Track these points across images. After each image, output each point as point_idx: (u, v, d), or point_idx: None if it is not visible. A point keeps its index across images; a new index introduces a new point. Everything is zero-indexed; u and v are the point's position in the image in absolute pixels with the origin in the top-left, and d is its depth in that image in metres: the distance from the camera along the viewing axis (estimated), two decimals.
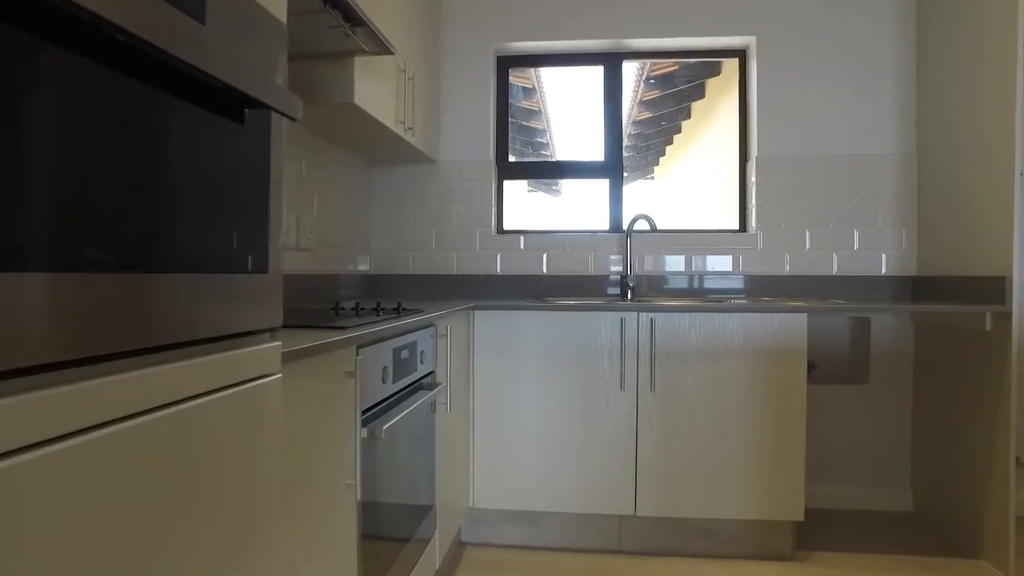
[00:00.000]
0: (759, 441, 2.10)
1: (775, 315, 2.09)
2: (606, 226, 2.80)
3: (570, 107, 4.04)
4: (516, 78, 3.66)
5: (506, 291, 2.70)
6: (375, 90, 1.90)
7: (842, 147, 2.60)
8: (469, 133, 2.74)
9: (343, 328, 1.16)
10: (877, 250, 2.59)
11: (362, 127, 2.05)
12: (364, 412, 1.20)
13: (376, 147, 2.42)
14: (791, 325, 2.09)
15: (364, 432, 1.19)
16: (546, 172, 3.06)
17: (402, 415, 1.31)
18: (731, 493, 2.10)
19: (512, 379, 2.16)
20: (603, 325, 2.13)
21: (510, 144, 2.90)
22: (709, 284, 2.64)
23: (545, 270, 2.69)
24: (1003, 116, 2.06)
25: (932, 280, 2.46)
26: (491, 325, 2.17)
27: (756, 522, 2.14)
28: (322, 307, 1.82)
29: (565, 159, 3.03)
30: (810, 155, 2.61)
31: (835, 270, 2.60)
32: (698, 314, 2.11)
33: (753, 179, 2.66)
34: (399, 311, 1.63)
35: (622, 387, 2.12)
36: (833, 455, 2.59)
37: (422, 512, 1.66)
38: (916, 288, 2.57)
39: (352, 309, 1.65)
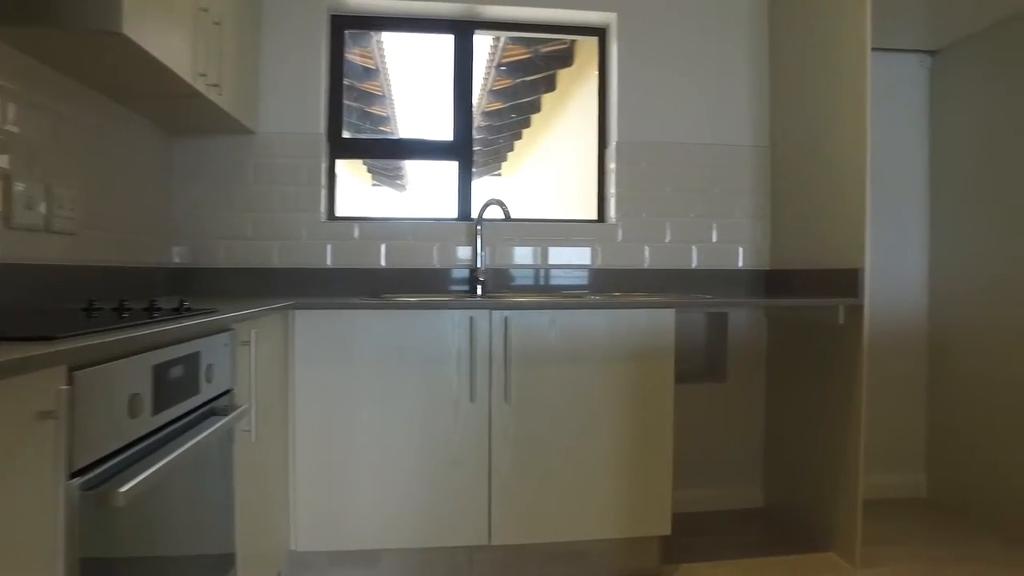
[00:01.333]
0: (625, 452, 1.90)
1: (642, 311, 1.90)
2: (454, 214, 2.50)
3: (416, 84, 3.69)
4: (356, 55, 3.26)
5: (338, 287, 2.31)
6: (159, 26, 1.45)
7: (701, 135, 2.50)
8: (296, 102, 2.31)
9: (49, 340, 0.75)
10: (734, 243, 2.52)
11: (145, 74, 1.56)
12: (82, 471, 0.79)
13: (175, 109, 1.92)
14: (658, 322, 1.91)
15: (84, 499, 0.78)
16: (387, 151, 2.70)
17: (164, 462, 0.92)
18: (597, 511, 1.89)
19: (342, 393, 1.79)
20: (450, 325, 1.82)
21: (345, 119, 2.51)
22: (566, 278, 2.43)
23: (384, 263, 2.34)
24: (854, 116, 2.04)
25: (785, 274, 2.43)
26: (316, 328, 1.79)
27: (622, 540, 1.95)
28: (69, 308, 1.34)
29: (410, 137, 2.69)
30: (670, 142, 2.48)
31: (694, 263, 2.50)
32: (558, 311, 1.86)
33: (612, 166, 2.48)
34: (180, 311, 1.22)
35: (472, 398, 1.82)
36: (691, 457, 2.48)
37: (217, 565, 1.26)
38: (769, 282, 2.53)
39: (114, 310, 1.21)
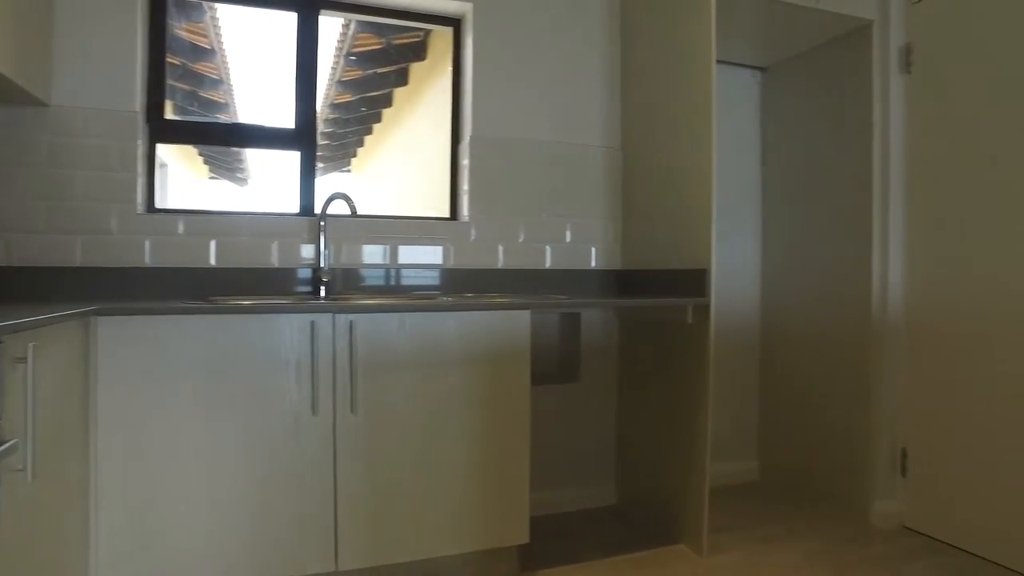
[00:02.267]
0: (482, 460, 1.82)
1: (497, 313, 1.83)
2: (296, 208, 2.30)
3: (257, 68, 3.38)
4: (186, 31, 2.91)
5: (159, 289, 2.03)
6: None
7: (556, 134, 2.49)
8: (104, 73, 1.99)
9: None
10: (588, 243, 2.54)
11: None
12: None
13: None
14: (513, 323, 1.85)
15: None
16: (220, 137, 2.42)
17: None
18: (453, 524, 1.79)
19: (160, 412, 1.55)
20: (289, 331, 1.64)
21: (177, 103, 2.21)
22: (418, 278, 2.31)
23: (214, 262, 2.08)
24: (700, 123, 2.11)
25: (637, 274, 2.48)
26: (127, 338, 1.53)
27: (481, 552, 1.87)
28: None
29: (247, 123, 2.43)
30: (525, 140, 2.44)
31: (548, 263, 2.48)
32: (408, 314, 1.75)
33: (465, 162, 2.40)
34: None
35: (315, 410, 1.65)
36: (546, 458, 2.47)
37: None
38: (621, 282, 2.58)
39: None
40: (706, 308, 2.07)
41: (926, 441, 2.32)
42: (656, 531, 2.29)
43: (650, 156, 2.39)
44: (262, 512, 1.61)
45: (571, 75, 2.52)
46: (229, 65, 3.22)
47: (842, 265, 2.50)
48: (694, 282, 2.11)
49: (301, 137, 2.31)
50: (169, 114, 2.21)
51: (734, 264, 2.85)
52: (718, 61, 2.78)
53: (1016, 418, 2.04)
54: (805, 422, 2.67)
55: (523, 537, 1.87)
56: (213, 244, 2.08)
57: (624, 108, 2.57)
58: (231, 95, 3.41)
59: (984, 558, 2.12)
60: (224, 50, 3.25)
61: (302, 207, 2.29)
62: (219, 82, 3.36)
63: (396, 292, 2.27)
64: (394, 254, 2.28)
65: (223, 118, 3.47)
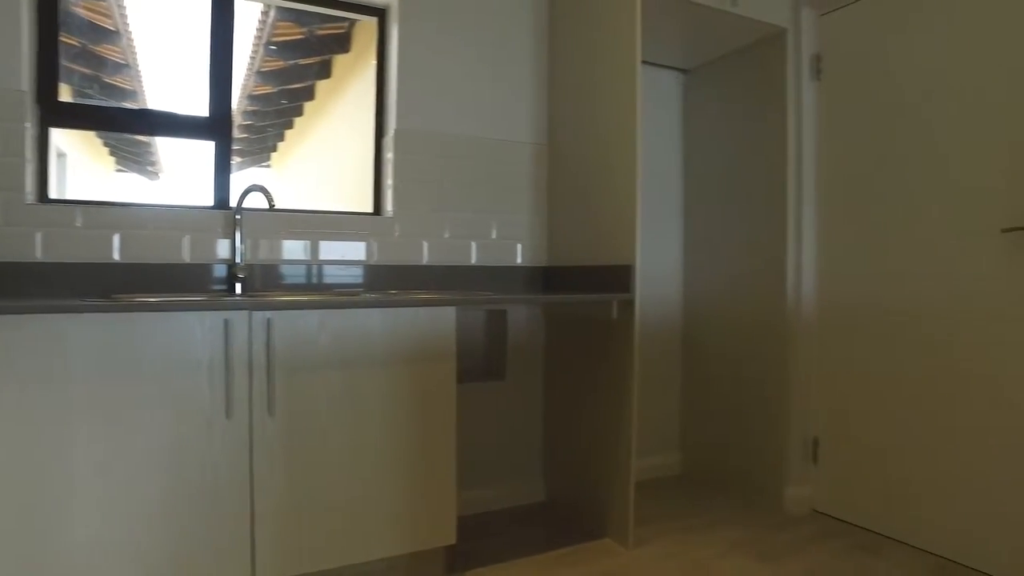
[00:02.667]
0: (407, 461, 1.78)
1: (422, 310, 1.79)
2: (210, 202, 2.18)
3: (168, 54, 3.19)
4: (84, 9, 2.71)
5: (56, 286, 1.87)
6: None
7: (482, 129, 2.47)
8: None
9: None
10: (513, 240, 2.53)
11: None
12: None
13: None
14: (439, 320, 1.82)
15: None
16: (124, 123, 2.27)
17: None
18: (378, 528, 1.73)
19: (52, 421, 1.42)
20: (201, 330, 1.54)
21: (78, 87, 2.04)
22: (340, 275, 2.23)
23: (118, 256, 1.94)
24: (626, 121, 2.14)
25: (562, 271, 2.49)
26: (10, 340, 1.39)
27: (407, 556, 1.82)
28: None
29: (156, 109, 2.28)
30: (451, 134, 2.41)
31: (474, 260, 2.45)
32: (330, 311, 1.68)
33: (390, 156, 2.34)
34: None
35: (229, 414, 1.56)
36: (473, 457, 2.44)
37: None
38: (547, 279, 2.58)
39: None
40: (631, 304, 2.09)
41: (835, 430, 2.44)
42: (583, 526, 2.31)
43: (576, 153, 2.41)
44: (170, 523, 1.51)
45: (498, 71, 2.50)
46: (136, 49, 3.02)
47: (759, 263, 2.59)
48: (619, 278, 2.14)
49: (216, 126, 2.19)
50: (66, 98, 2.05)
51: (657, 261, 2.92)
52: (643, 62, 2.84)
53: (913, 408, 2.17)
54: (725, 415, 2.75)
55: (450, 538, 1.84)
56: (117, 238, 1.94)
57: (551, 105, 2.58)
58: (139, 81, 3.20)
59: (886, 536, 2.25)
60: (130, 32, 3.04)
61: (217, 200, 2.18)
62: (125, 66, 3.15)
63: (318, 289, 2.19)
64: (315, 250, 2.20)
65: (130, 106, 3.26)
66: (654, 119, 2.89)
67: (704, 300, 2.86)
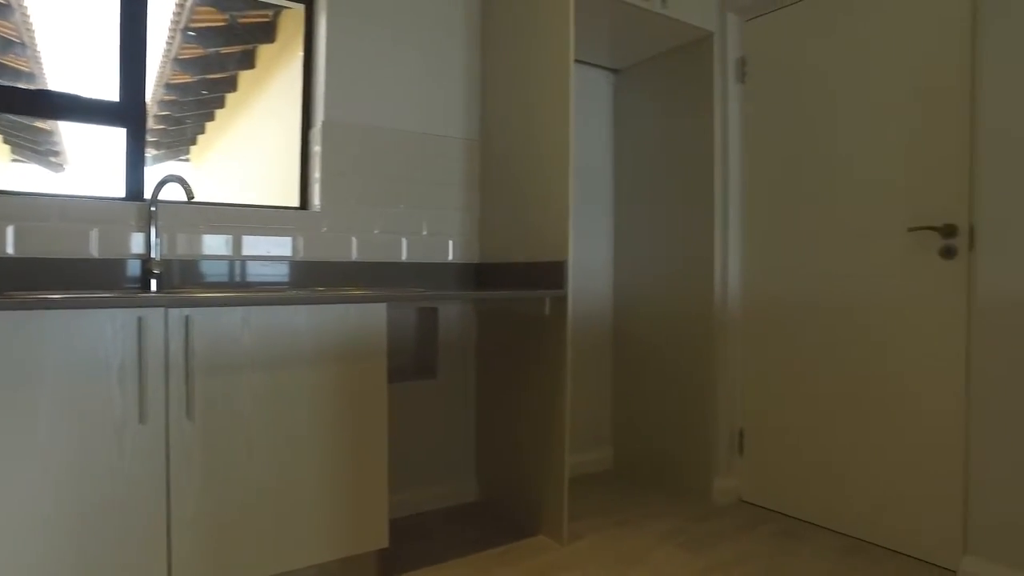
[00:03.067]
0: (337, 463, 1.71)
1: (351, 306, 1.73)
2: (122, 193, 2.04)
3: (71, 32, 2.97)
4: None
5: None
6: None
7: (413, 123, 2.42)
8: None
9: None
10: (445, 236, 2.49)
11: None
12: None
13: None
14: (369, 318, 1.76)
15: None
16: (20, 105, 2.09)
17: None
18: (307, 535, 1.66)
19: None
20: (111, 329, 1.43)
21: None
22: (265, 272, 2.14)
23: (12, 250, 1.79)
24: (559, 119, 2.14)
25: (494, 267, 2.47)
26: None
27: (337, 562, 1.76)
28: None
29: (58, 90, 2.12)
30: (381, 128, 2.35)
31: (404, 256, 2.40)
32: (254, 308, 1.60)
33: (317, 149, 2.26)
34: None
35: (143, 419, 1.46)
36: (406, 458, 2.40)
37: None
38: (479, 275, 2.56)
39: None
40: (563, 300, 2.10)
41: (759, 422, 2.52)
42: (517, 524, 2.30)
43: (509, 149, 2.40)
44: (75, 539, 1.40)
45: (430, 64, 2.46)
46: (33, 27, 2.80)
47: (687, 260, 2.66)
48: (551, 274, 2.14)
49: (128, 112, 2.05)
50: None
51: (588, 257, 2.94)
52: (578, 61, 2.87)
53: (829, 398, 2.27)
54: (655, 410, 2.81)
55: (382, 542, 1.79)
56: (11, 230, 1.78)
57: (484, 101, 2.56)
58: (37, 62, 2.96)
59: (807, 521, 2.35)
60: (25, 7, 2.82)
61: (130, 191, 2.04)
62: (19, 45, 2.91)
63: (241, 286, 2.09)
64: (238, 245, 2.09)
65: (25, 86, 3.01)
66: (585, 117, 2.92)
67: (634, 296, 2.91)
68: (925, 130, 2.03)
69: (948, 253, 1.97)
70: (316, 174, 2.26)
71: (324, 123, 2.24)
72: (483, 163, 2.55)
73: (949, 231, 1.97)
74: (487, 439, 2.50)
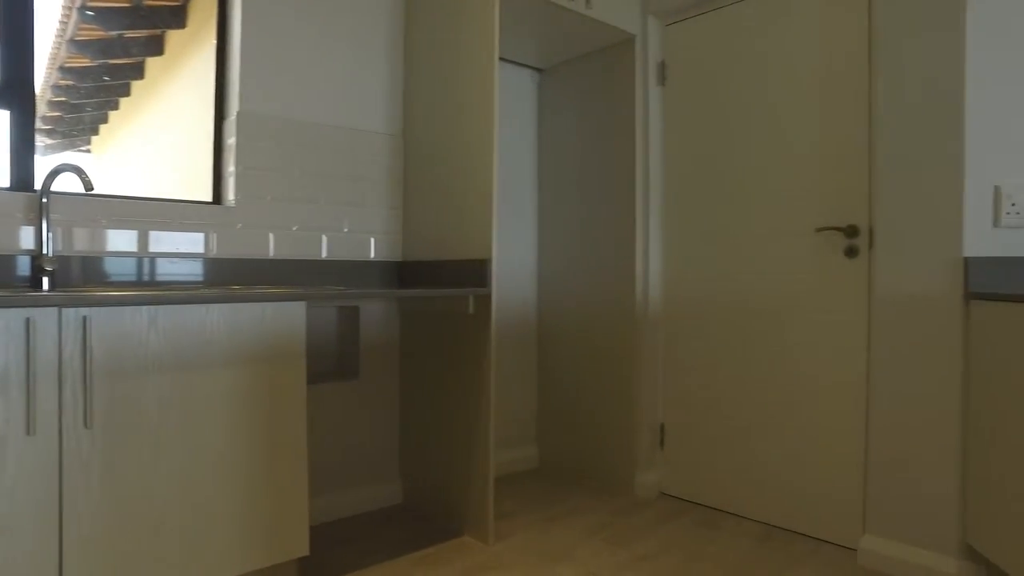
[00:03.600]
0: (253, 470, 1.63)
1: (268, 305, 1.66)
2: (6, 182, 1.87)
3: None
4: None
5: None
6: None
7: (334, 117, 2.34)
8: None
9: None
10: (367, 233, 2.43)
11: None
12: None
13: None
14: (287, 317, 1.69)
15: None
16: None
17: None
18: (222, 547, 1.58)
19: None
20: None
21: None
22: (176, 269, 2.02)
23: None
24: (483, 117, 2.13)
25: (418, 265, 2.43)
26: None
27: (256, 573, 1.67)
28: None
29: None
30: (300, 121, 2.26)
31: (325, 254, 2.32)
32: (161, 307, 1.50)
33: (232, 141, 2.15)
34: None
35: (31, 430, 1.34)
36: (327, 461, 2.32)
37: None
38: (403, 274, 2.51)
39: None
40: (487, 298, 2.08)
41: (679, 416, 2.59)
42: (443, 526, 2.27)
43: (432, 146, 2.36)
44: None
45: (352, 56, 2.39)
46: None
47: (609, 260, 2.70)
48: (475, 272, 2.12)
49: (12, 92, 1.89)
50: None
51: (513, 256, 2.94)
52: (503, 59, 2.86)
53: (742, 392, 2.36)
54: (579, 407, 2.84)
55: (303, 549, 1.72)
56: None
57: (407, 96, 2.51)
58: None
59: (724, 510, 2.43)
60: None
61: (16, 181, 1.87)
62: None
63: (150, 285, 1.96)
64: (144, 241, 1.96)
65: None
66: (509, 116, 2.92)
67: (558, 295, 2.93)
68: (831, 137, 2.14)
69: (851, 252, 2.09)
70: (231, 168, 2.15)
71: (239, 114, 2.14)
72: (407, 160, 2.50)
73: (852, 232, 2.08)
74: (411, 440, 2.46)
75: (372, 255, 2.44)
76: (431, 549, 2.08)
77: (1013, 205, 1.82)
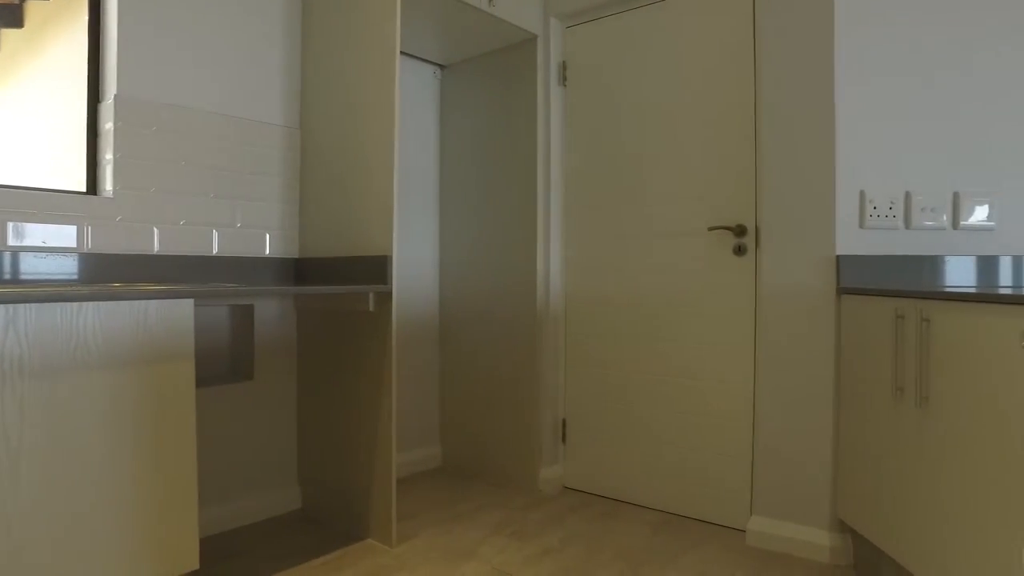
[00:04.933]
0: (135, 482, 1.51)
1: (151, 303, 1.54)
2: None
3: None
4: None
5: None
6: None
7: (226, 106, 2.22)
8: None
9: None
10: (262, 229, 2.32)
11: None
12: None
13: None
14: (173, 316, 1.58)
15: None
16: None
17: None
18: (100, 565, 1.45)
19: None
20: None
21: None
22: (44, 266, 1.84)
23: None
24: (384, 111, 2.09)
25: (316, 262, 2.34)
26: None
27: None
28: None
29: None
30: (189, 108, 2.12)
31: (216, 250, 2.20)
32: (20, 306, 1.36)
33: (109, 126, 1.99)
34: None
35: None
36: (221, 469, 2.20)
37: None
38: (300, 271, 2.42)
39: None
40: (388, 296, 2.05)
41: (580, 411, 2.65)
42: (345, 530, 2.21)
43: (331, 139, 2.29)
44: None
45: (245, 44, 2.27)
46: None
47: (511, 258, 2.72)
48: (375, 269, 2.08)
49: None
50: None
51: (414, 254, 2.91)
52: (405, 53, 2.81)
53: (638, 385, 2.45)
54: (482, 404, 2.84)
55: (192, 563, 1.62)
56: None
57: (304, 87, 2.42)
58: None
59: (624, 501, 2.51)
60: None
61: None
62: None
63: (12, 283, 1.78)
64: (3, 233, 1.78)
65: None
66: (411, 110, 2.88)
67: (461, 292, 2.92)
68: (721, 141, 2.26)
69: (740, 250, 2.21)
70: (108, 155, 1.99)
71: (117, 97, 1.98)
72: (304, 153, 2.41)
73: (741, 231, 2.20)
74: (310, 443, 2.37)
75: (267, 251, 2.34)
76: (333, 554, 2.01)
77: (875, 208, 1.99)
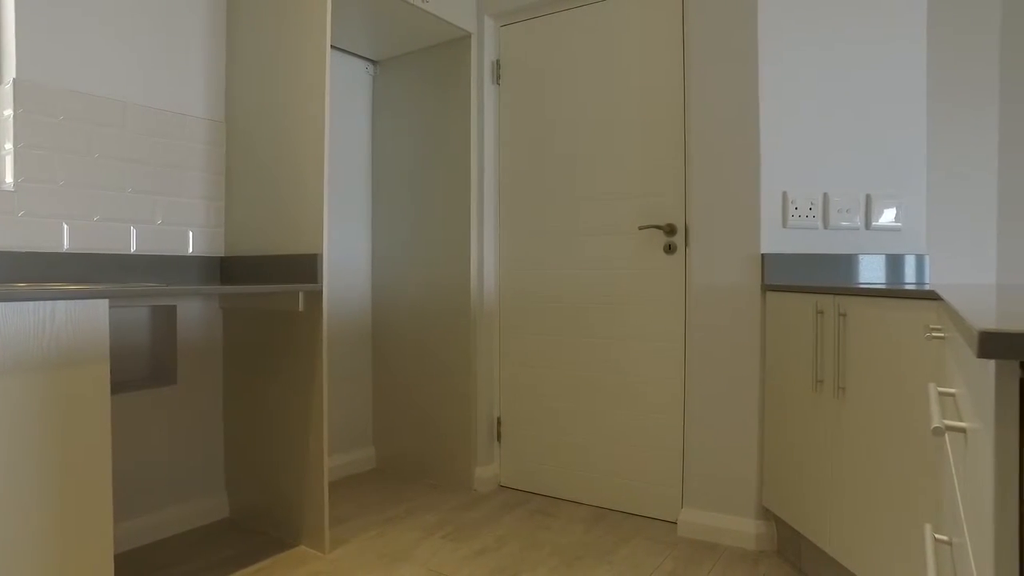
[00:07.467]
0: (42, 496, 1.41)
1: (60, 304, 1.44)
2: None
3: None
4: None
5: None
6: None
7: (145, 96, 2.10)
8: None
9: None
10: (184, 226, 2.21)
11: None
12: None
13: None
14: (86, 317, 1.49)
15: None
16: None
17: None
18: None
19: None
20: None
21: None
22: None
23: None
24: (313, 106, 2.04)
25: (242, 261, 2.26)
26: None
27: None
28: None
29: None
30: (102, 97, 2.00)
31: (134, 248, 2.09)
32: None
33: (8, 113, 1.85)
34: None
35: None
36: (141, 478, 2.08)
37: None
38: (225, 270, 2.32)
39: None
40: (318, 295, 1.99)
41: (515, 409, 2.66)
42: (276, 537, 2.13)
43: (259, 134, 2.21)
44: None
45: (164, 30, 2.16)
46: None
47: (445, 256, 2.70)
48: (305, 268, 2.02)
49: None
50: None
51: (346, 252, 2.85)
52: (336, 47, 2.74)
53: (570, 381, 2.48)
54: (416, 405, 2.81)
55: None
56: None
57: (229, 79, 2.32)
58: None
59: (559, 498, 2.53)
60: None
61: None
62: None
63: None
64: None
65: None
66: (343, 106, 2.82)
67: (393, 292, 2.88)
68: (652, 142, 2.31)
69: (670, 249, 2.27)
70: (7, 145, 1.85)
71: (16, 82, 1.85)
72: (230, 148, 2.31)
73: (671, 230, 2.26)
74: (238, 448, 2.28)
75: (191, 250, 2.23)
76: (264, 563, 1.94)
77: (796, 209, 2.08)
